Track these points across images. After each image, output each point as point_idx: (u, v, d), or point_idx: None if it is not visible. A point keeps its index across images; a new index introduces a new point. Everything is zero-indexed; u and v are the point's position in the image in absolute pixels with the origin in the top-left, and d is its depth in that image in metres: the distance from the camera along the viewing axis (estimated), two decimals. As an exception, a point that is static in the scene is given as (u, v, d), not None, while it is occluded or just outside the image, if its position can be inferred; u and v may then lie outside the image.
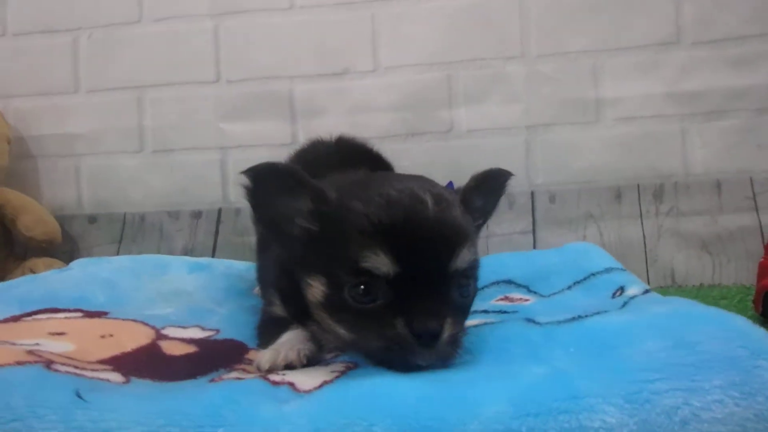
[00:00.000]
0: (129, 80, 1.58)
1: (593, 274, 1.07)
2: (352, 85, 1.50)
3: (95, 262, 1.26)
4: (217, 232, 1.57)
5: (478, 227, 0.78)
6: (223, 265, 1.36)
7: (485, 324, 0.85)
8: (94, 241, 1.61)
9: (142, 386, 0.65)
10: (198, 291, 1.18)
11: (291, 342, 0.72)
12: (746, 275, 1.34)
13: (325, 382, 0.62)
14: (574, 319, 0.78)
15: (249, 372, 0.70)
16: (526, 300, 1.04)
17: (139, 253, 1.54)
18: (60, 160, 1.63)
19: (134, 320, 0.91)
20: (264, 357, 0.68)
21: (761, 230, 1.36)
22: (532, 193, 1.45)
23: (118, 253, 1.56)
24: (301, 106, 1.52)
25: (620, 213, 1.41)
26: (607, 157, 1.41)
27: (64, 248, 1.58)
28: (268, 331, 0.79)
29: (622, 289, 0.99)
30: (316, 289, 0.69)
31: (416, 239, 0.63)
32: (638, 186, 1.41)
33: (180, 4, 1.55)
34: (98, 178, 1.62)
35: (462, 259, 0.65)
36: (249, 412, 0.54)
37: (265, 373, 0.66)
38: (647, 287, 0.98)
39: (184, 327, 0.92)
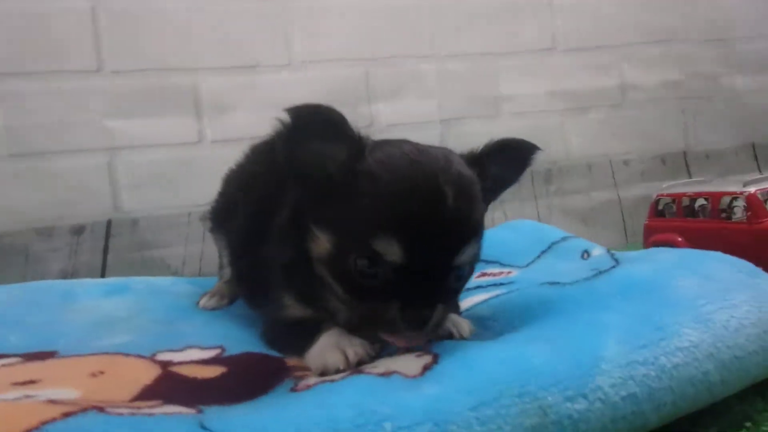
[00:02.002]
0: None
1: (554, 243, 1.21)
2: (264, 80, 1.40)
3: None
4: (106, 248, 1.30)
5: (493, 193, 0.79)
6: (142, 283, 1.20)
7: (499, 296, 0.93)
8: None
9: (242, 409, 0.57)
10: (136, 315, 1.02)
11: (345, 341, 0.70)
12: (614, 238, 1.63)
13: (426, 368, 0.61)
14: (591, 277, 0.90)
15: (312, 376, 0.67)
16: (509, 272, 1.13)
17: None
18: None
19: (107, 353, 0.77)
20: (330, 359, 0.67)
21: (620, 203, 1.67)
22: (448, 184, 1.53)
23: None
24: (208, 102, 1.36)
25: (520, 195, 1.58)
26: (507, 147, 1.57)
27: None
28: (295, 335, 0.76)
29: (587, 251, 1.15)
30: (321, 245, 0.70)
31: (428, 236, 0.65)
32: (531, 171, 1.59)
33: (41, -23, 1.26)
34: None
35: (467, 255, 0.68)
36: (397, 402, 0.53)
37: (334, 373, 0.65)
38: (605, 248, 1.14)
39: (178, 350, 0.80)
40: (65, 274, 1.27)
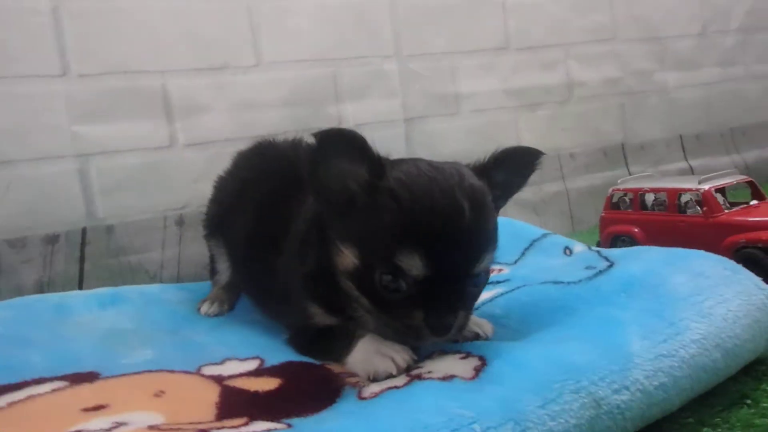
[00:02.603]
0: None
1: (535, 240, 1.30)
2: (234, 81, 1.40)
3: None
4: (82, 256, 1.29)
5: (503, 200, 0.85)
6: (133, 292, 1.21)
7: (504, 294, 1.02)
8: None
9: (329, 421, 0.62)
10: (141, 326, 1.05)
11: (387, 348, 0.76)
12: (562, 226, 1.75)
13: (477, 369, 0.68)
14: (592, 276, 1.00)
15: (365, 383, 0.72)
16: (501, 269, 1.21)
17: None
18: None
19: (149, 371, 0.80)
20: (380, 365, 0.72)
21: (567, 194, 1.80)
22: (412, 180, 1.60)
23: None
24: (178, 104, 1.35)
25: (478, 190, 1.67)
26: (467, 143, 1.65)
27: None
28: (327, 342, 0.82)
29: (568, 248, 1.25)
30: (347, 258, 0.75)
31: (449, 248, 0.70)
32: (488, 167, 1.70)
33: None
34: None
35: (485, 264, 0.74)
36: (475, 405, 0.59)
37: (384, 379, 0.71)
38: (584, 244, 1.25)
39: (219, 364, 0.84)
40: (41, 285, 1.24)
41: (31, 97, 1.23)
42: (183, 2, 1.34)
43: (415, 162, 0.78)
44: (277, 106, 1.44)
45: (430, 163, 0.78)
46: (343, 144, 0.74)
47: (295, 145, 1.16)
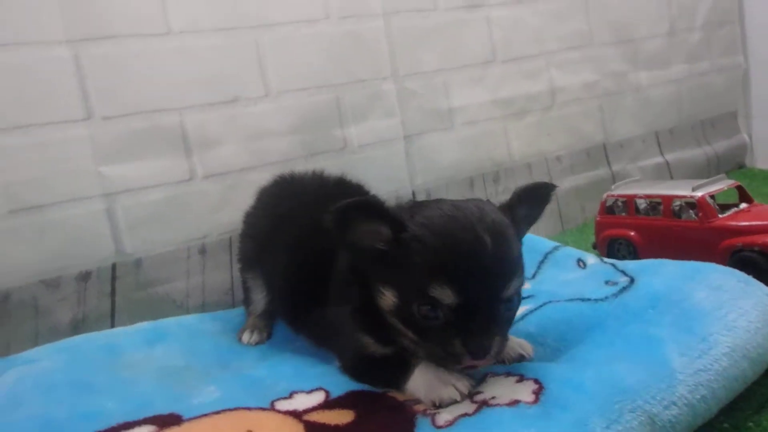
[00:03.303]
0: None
1: (548, 253, 1.37)
2: (245, 112, 1.47)
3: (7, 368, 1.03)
4: (113, 291, 1.36)
5: (525, 232, 0.95)
6: (174, 324, 1.29)
7: (533, 311, 1.08)
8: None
9: None
10: (192, 362, 1.10)
11: (446, 375, 0.83)
12: (552, 226, 1.88)
13: (536, 393, 0.76)
14: (617, 293, 1.05)
15: (431, 411, 0.79)
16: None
17: (6, 341, 1.25)
18: None
19: (228, 410, 0.85)
20: (444, 392, 0.80)
21: (555, 195, 1.91)
22: (413, 192, 1.70)
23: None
24: (196, 139, 1.42)
25: (474, 197, 1.77)
26: (461, 154, 1.75)
27: None
28: (384, 369, 0.89)
29: (581, 260, 1.32)
30: (388, 299, 0.85)
31: (475, 277, 0.78)
32: (483, 174, 1.80)
33: (19, 28, 1.24)
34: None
35: (512, 289, 0.82)
36: (549, 430, 0.67)
37: (448, 405, 0.79)
38: (597, 255, 1.35)
39: (288, 398, 0.89)
40: (75, 323, 1.30)
41: (57, 144, 1.29)
42: (194, 41, 1.41)
43: (437, 203, 0.87)
44: (286, 134, 1.52)
45: (452, 203, 0.86)
46: (360, 213, 0.83)
47: (317, 176, 1.25)
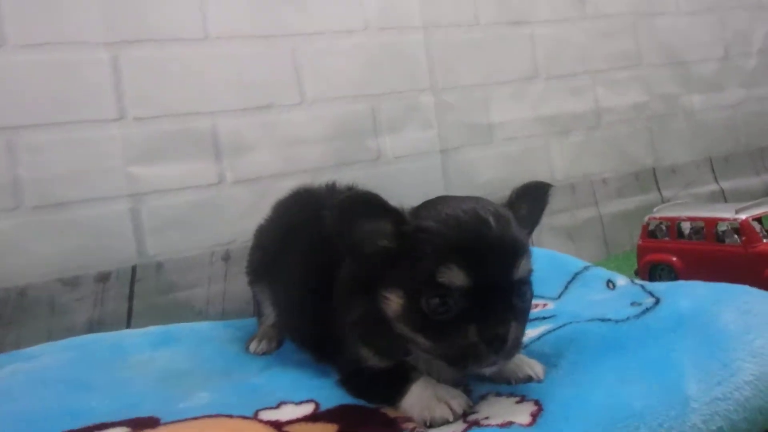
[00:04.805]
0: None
1: (577, 273, 1.30)
2: (279, 119, 1.45)
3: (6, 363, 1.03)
4: (131, 294, 1.33)
5: (528, 234, 0.89)
6: (186, 329, 1.26)
7: (551, 331, 1.01)
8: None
9: None
10: (195, 367, 1.08)
11: (443, 392, 0.78)
12: (596, 252, 1.78)
13: (534, 415, 0.70)
14: (640, 314, 0.98)
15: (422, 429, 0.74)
16: (545, 305, 1.21)
17: (18, 338, 1.22)
18: None
19: (209, 416, 0.81)
20: (437, 411, 0.74)
21: (601, 219, 1.82)
22: (449, 209, 1.64)
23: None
24: (227, 144, 1.40)
25: (513, 216, 1.70)
26: (500, 171, 1.69)
27: None
28: (381, 385, 0.84)
29: (611, 281, 1.25)
30: (393, 302, 0.79)
31: (484, 255, 0.74)
32: (523, 195, 1.73)
33: (62, 28, 1.26)
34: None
35: (522, 269, 0.77)
36: None
37: (440, 425, 0.73)
38: (626, 277, 1.26)
39: (275, 408, 0.85)
40: (91, 323, 1.28)
41: (89, 142, 1.29)
42: (231, 48, 1.41)
43: (436, 199, 0.85)
44: (319, 142, 1.49)
45: (453, 197, 0.84)
46: (361, 207, 0.79)
47: (330, 189, 1.21)
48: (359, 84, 1.52)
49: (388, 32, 1.56)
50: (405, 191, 1.55)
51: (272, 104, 1.45)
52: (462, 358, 0.74)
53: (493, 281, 0.74)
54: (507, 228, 0.77)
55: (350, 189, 1.22)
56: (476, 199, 0.81)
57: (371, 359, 0.85)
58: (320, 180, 1.38)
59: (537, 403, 0.71)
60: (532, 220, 0.89)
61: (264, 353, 1.14)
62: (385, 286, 0.79)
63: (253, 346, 1.15)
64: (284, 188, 1.36)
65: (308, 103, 1.48)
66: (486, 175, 1.67)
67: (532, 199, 0.88)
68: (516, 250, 0.76)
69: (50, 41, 1.26)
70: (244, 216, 1.40)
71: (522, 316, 0.79)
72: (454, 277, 0.73)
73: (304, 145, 1.47)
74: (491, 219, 0.76)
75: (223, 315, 1.39)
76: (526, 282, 0.79)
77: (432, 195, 1.57)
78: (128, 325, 1.32)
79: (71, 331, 1.25)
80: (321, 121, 1.49)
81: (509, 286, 0.75)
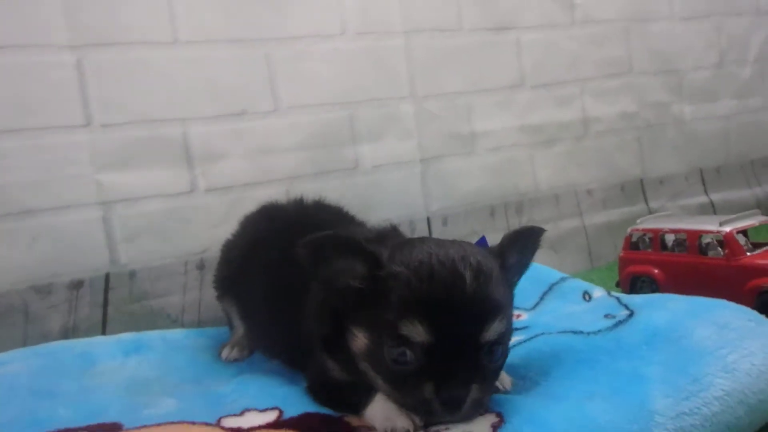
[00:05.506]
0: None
1: (554, 284, 1.30)
2: (252, 126, 1.42)
3: None
4: (105, 302, 1.31)
5: (516, 278, 0.86)
6: (157, 339, 1.24)
7: (522, 342, 1.01)
8: None
9: None
10: (164, 375, 1.07)
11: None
12: (580, 263, 1.75)
13: (494, 426, 0.70)
14: (612, 327, 0.99)
15: None
16: (519, 315, 1.21)
17: None
18: None
19: (172, 422, 0.81)
20: (398, 422, 0.74)
21: (585, 230, 1.79)
22: (428, 219, 1.61)
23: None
24: (199, 151, 1.38)
25: (495, 227, 1.66)
26: (483, 181, 1.66)
27: None
28: (347, 393, 0.83)
29: (587, 293, 1.24)
30: (360, 341, 0.78)
31: (451, 314, 0.71)
32: (505, 204, 1.70)
33: (24, 30, 1.23)
34: None
35: (492, 332, 0.73)
36: None
37: None
38: (603, 288, 1.24)
39: (238, 415, 0.85)
40: (66, 331, 1.26)
41: (55, 148, 1.26)
42: (202, 52, 1.38)
43: (420, 241, 0.82)
44: (295, 150, 1.46)
45: (437, 241, 0.81)
46: (334, 249, 0.77)
47: (298, 205, 1.20)
48: (336, 91, 1.49)
49: (366, 37, 1.53)
50: (383, 202, 1.55)
51: (245, 111, 1.42)
52: (414, 409, 0.74)
53: (457, 341, 0.72)
54: (484, 286, 0.73)
55: (317, 203, 1.20)
56: (461, 247, 0.78)
57: (337, 372, 0.85)
58: (296, 190, 1.37)
59: (499, 415, 0.71)
60: (520, 267, 0.86)
61: (236, 360, 1.15)
62: (354, 324, 0.78)
63: (225, 353, 1.16)
64: (258, 197, 1.35)
65: (283, 110, 1.45)
66: (468, 186, 1.65)
67: (523, 245, 0.85)
68: (488, 312, 0.73)
69: (11, 43, 1.23)
70: (217, 225, 1.38)
71: (491, 377, 0.77)
72: (415, 332, 0.71)
73: (279, 153, 1.45)
74: (468, 274, 0.73)
75: (200, 323, 1.38)
76: (499, 343, 0.76)
77: (410, 206, 1.58)
78: (103, 332, 1.30)
79: (46, 338, 1.23)
80: (296, 129, 1.46)
81: (476, 347, 0.73)
